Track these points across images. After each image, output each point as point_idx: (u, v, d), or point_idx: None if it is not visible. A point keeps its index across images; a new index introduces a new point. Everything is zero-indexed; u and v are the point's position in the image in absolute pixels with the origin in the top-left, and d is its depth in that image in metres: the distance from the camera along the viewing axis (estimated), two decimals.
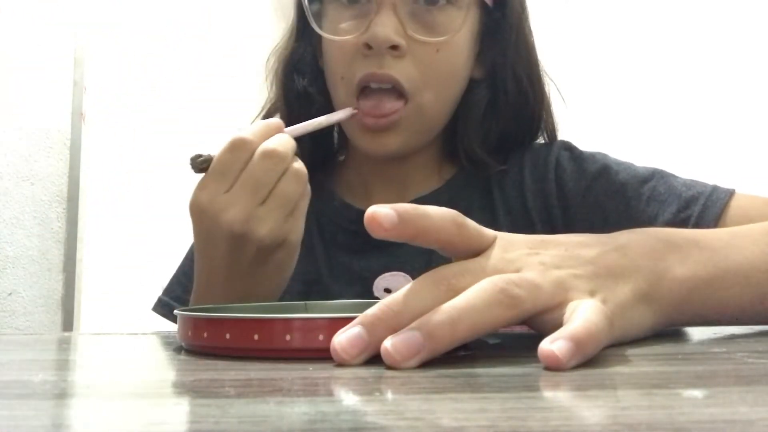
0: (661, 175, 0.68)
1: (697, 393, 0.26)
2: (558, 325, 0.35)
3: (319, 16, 0.69)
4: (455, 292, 0.34)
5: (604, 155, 0.72)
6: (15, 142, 1.86)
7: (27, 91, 1.87)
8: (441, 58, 0.66)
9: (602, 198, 0.68)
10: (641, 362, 0.34)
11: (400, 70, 0.65)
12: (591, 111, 0.74)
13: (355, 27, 0.66)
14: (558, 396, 0.27)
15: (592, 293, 0.37)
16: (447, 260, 0.39)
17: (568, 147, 0.73)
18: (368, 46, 0.64)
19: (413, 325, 0.33)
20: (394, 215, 0.35)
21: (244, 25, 1.93)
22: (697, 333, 0.47)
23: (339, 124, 0.70)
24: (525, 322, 0.38)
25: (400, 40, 0.64)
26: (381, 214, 0.35)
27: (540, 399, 0.27)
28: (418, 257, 0.58)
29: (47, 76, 1.88)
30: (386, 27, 0.63)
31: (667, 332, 0.45)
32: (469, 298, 0.34)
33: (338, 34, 0.67)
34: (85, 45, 1.90)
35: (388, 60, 0.64)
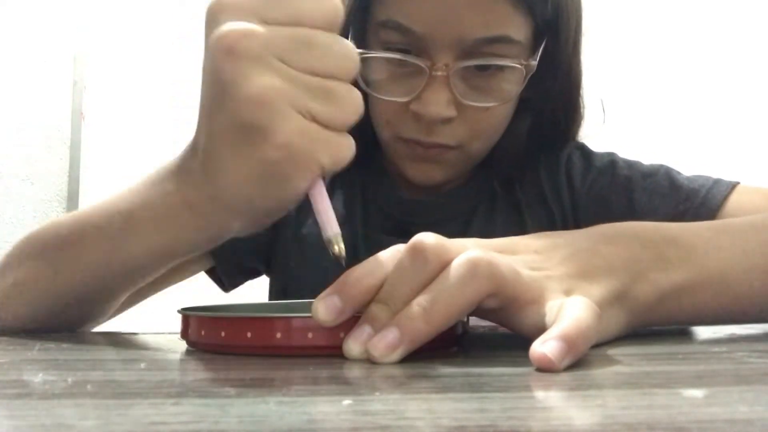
0: (666, 170, 0.69)
1: (697, 392, 0.26)
2: (535, 322, 0.35)
3: (363, 64, 0.64)
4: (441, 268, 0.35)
5: (613, 153, 0.73)
6: (15, 141, 1.86)
7: (27, 90, 1.87)
8: (491, 114, 0.65)
9: (606, 191, 0.69)
10: (641, 362, 0.34)
11: (449, 135, 0.64)
12: (600, 110, 0.75)
13: (405, 90, 0.63)
14: (558, 396, 0.27)
15: (567, 293, 0.37)
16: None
17: (580, 146, 0.74)
18: (417, 114, 0.62)
19: (391, 321, 0.34)
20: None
21: None
22: (697, 332, 0.47)
23: (383, 150, 0.69)
24: (500, 321, 0.38)
25: (453, 113, 0.62)
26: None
27: (540, 399, 0.27)
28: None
29: (47, 75, 1.88)
30: (439, 104, 0.61)
31: (667, 331, 0.45)
32: (442, 281, 0.34)
33: (385, 91, 0.64)
34: (84, 44, 1.90)
35: (437, 127, 0.63)
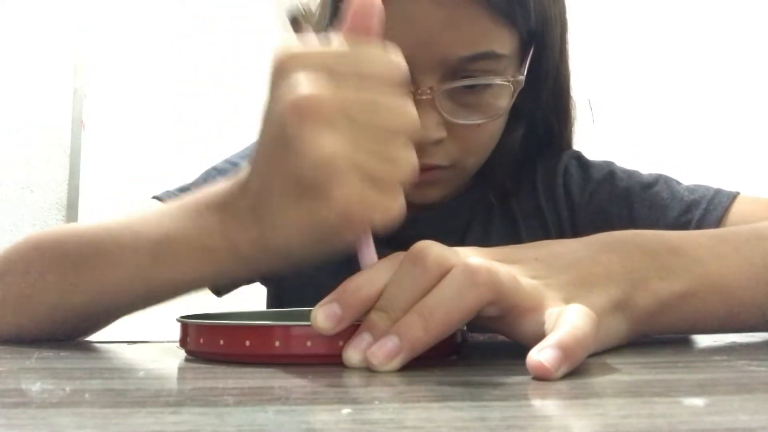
0: (665, 180, 0.69)
1: (698, 401, 0.26)
2: (534, 330, 0.35)
3: None
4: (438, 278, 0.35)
5: (611, 163, 0.72)
6: (15, 149, 1.86)
7: (27, 98, 1.87)
8: (483, 130, 0.64)
9: (606, 203, 0.69)
10: (641, 370, 0.34)
11: (441, 155, 0.63)
12: (598, 117, 0.75)
13: None
14: (558, 404, 0.27)
15: (566, 301, 0.37)
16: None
17: (577, 156, 0.74)
18: None
19: (391, 330, 0.34)
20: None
21: (244, 33, 1.93)
22: (697, 340, 0.46)
23: None
24: (500, 329, 0.38)
25: (442, 134, 0.61)
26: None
27: (540, 407, 0.27)
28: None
29: (47, 84, 1.88)
30: (428, 128, 0.60)
31: (667, 339, 0.45)
32: (441, 289, 0.35)
33: None
34: (84, 52, 1.91)
35: (428, 149, 0.61)
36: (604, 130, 0.77)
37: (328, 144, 0.36)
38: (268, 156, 0.40)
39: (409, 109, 0.39)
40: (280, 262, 0.43)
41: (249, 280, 0.79)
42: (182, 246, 0.44)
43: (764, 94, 1.97)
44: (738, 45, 1.99)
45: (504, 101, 0.63)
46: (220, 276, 0.45)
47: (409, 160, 0.38)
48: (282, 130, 0.37)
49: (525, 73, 0.62)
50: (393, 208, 0.38)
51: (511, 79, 0.62)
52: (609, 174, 0.70)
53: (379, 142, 0.37)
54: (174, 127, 1.91)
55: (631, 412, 0.25)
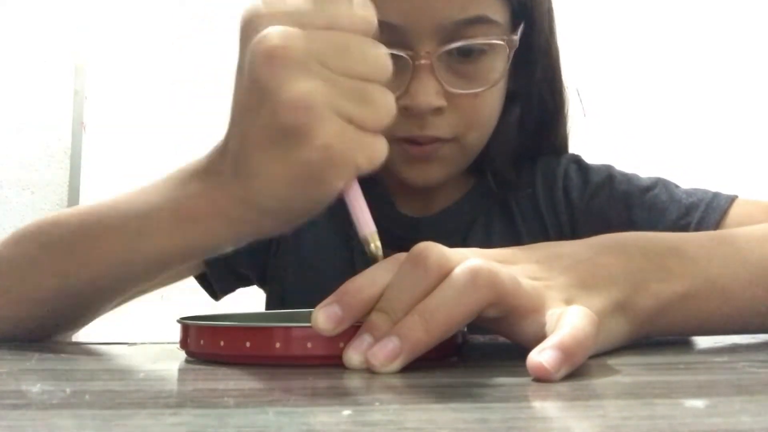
0: (663, 184, 0.69)
1: (698, 403, 0.26)
2: (534, 332, 0.35)
3: None
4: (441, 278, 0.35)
5: (610, 167, 0.73)
6: (15, 150, 1.86)
7: (28, 99, 1.87)
8: (482, 101, 0.65)
9: (605, 206, 0.69)
10: (642, 372, 0.34)
11: (442, 126, 0.63)
12: (596, 118, 0.75)
13: (392, 87, 0.62)
14: (559, 406, 0.27)
15: (567, 302, 0.37)
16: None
17: (576, 160, 0.74)
18: (407, 108, 0.61)
19: (392, 331, 0.34)
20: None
21: None
22: (698, 342, 0.46)
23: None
24: (500, 331, 0.38)
25: (442, 103, 0.62)
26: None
27: (541, 409, 0.27)
28: None
29: (48, 85, 1.89)
30: (428, 95, 0.61)
31: (668, 341, 0.45)
32: (442, 290, 0.34)
33: None
34: (85, 54, 1.91)
35: (429, 120, 0.62)
36: (602, 131, 0.77)
37: (302, 86, 0.36)
38: (244, 110, 0.39)
39: (382, 54, 0.39)
40: (270, 221, 0.42)
41: (244, 279, 0.79)
42: (167, 215, 0.44)
43: (759, 90, 1.97)
44: (731, 40, 1.99)
45: (500, 67, 0.64)
46: (211, 243, 0.45)
47: (387, 104, 0.38)
48: (255, 81, 0.37)
49: (519, 35, 0.64)
50: (376, 149, 0.38)
51: (506, 38, 0.63)
52: (608, 178, 0.71)
53: (355, 86, 0.37)
54: (174, 128, 1.91)
55: (632, 413, 0.25)
